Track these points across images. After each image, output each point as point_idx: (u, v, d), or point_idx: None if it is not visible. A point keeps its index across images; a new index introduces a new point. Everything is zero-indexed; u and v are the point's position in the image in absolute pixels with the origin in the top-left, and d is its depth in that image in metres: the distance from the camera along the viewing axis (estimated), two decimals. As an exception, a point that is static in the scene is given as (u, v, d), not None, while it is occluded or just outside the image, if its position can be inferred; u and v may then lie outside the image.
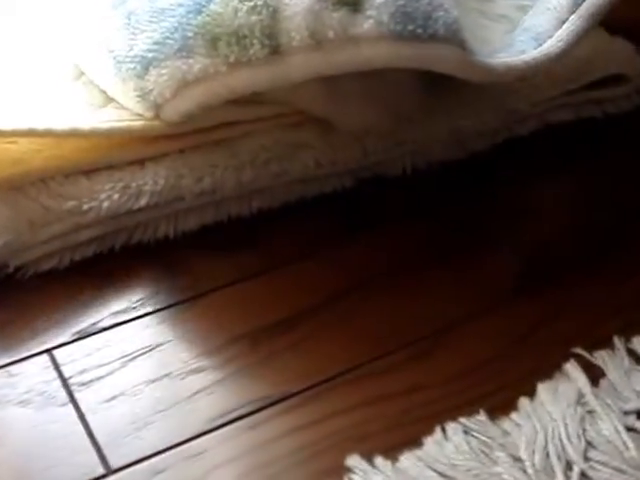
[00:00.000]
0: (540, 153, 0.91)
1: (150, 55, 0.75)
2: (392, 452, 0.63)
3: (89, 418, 0.66)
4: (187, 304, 0.75)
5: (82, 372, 0.69)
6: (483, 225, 0.84)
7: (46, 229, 0.76)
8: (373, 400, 0.69)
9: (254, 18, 0.72)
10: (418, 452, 0.65)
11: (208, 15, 0.73)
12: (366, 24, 0.71)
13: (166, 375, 0.70)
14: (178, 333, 0.73)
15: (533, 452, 0.65)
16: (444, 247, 0.82)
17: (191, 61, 0.74)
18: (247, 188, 0.82)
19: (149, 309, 0.75)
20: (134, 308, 0.74)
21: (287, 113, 0.83)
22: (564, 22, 0.80)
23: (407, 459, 0.65)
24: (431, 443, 0.66)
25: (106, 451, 0.64)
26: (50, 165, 0.77)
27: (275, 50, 0.72)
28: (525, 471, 0.64)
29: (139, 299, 0.75)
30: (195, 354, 0.72)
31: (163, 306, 0.75)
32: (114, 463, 0.63)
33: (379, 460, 0.64)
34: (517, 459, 0.65)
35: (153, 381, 0.69)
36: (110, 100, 0.82)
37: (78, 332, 0.72)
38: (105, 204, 0.76)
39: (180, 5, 0.75)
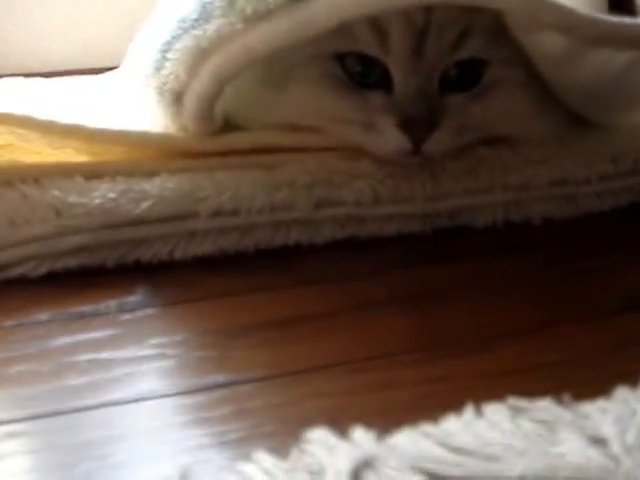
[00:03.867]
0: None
1: (171, 37, 0.65)
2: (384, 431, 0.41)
3: None
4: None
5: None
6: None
7: (26, 228, 0.62)
8: (366, 387, 0.47)
9: (279, -36, 0.61)
10: (427, 428, 0.41)
11: (232, -23, 0.63)
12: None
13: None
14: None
15: (624, 430, 0.39)
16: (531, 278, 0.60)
17: (207, 26, 0.62)
18: (283, 216, 0.65)
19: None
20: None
21: (345, 147, 0.68)
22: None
23: (406, 435, 0.40)
24: (452, 421, 0.41)
25: None
26: (46, 163, 0.65)
27: (298, -7, 0.60)
28: (609, 453, 0.38)
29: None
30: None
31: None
32: None
33: (358, 433, 0.40)
34: (598, 441, 0.39)
35: None
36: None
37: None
38: (97, 201, 0.62)
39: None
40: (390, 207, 0.67)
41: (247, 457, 0.40)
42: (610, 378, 0.45)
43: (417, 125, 0.64)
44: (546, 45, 0.63)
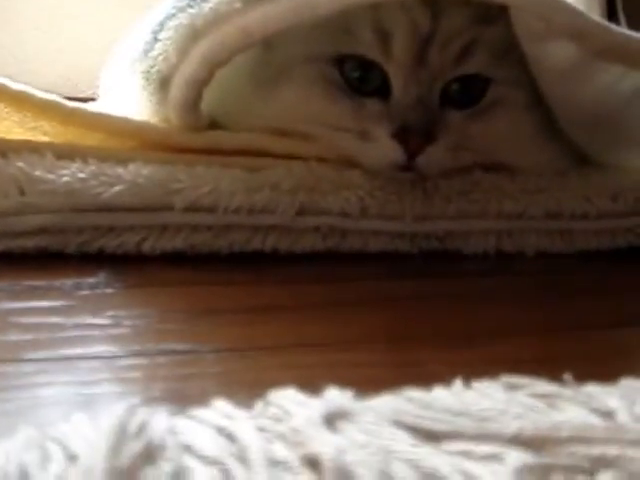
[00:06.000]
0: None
1: (164, 17, 0.62)
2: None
3: None
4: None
5: None
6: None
7: (-16, 205, 0.57)
8: (342, 364, 0.42)
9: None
10: (411, 393, 0.36)
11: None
12: None
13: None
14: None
15: (632, 403, 0.34)
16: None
17: (204, 4, 0.59)
18: (262, 219, 0.61)
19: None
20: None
21: (335, 157, 0.64)
22: None
23: (387, 399, 0.35)
24: (440, 390, 0.37)
25: None
26: (16, 139, 0.61)
27: (302, -29, 0.57)
28: (615, 421, 0.33)
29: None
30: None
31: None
32: None
33: (333, 392, 0.35)
34: (603, 413, 0.34)
35: None
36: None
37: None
38: (64, 180, 0.58)
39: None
40: (377, 222, 0.63)
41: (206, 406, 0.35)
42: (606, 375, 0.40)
43: (413, 136, 0.60)
44: (553, 57, 0.60)
